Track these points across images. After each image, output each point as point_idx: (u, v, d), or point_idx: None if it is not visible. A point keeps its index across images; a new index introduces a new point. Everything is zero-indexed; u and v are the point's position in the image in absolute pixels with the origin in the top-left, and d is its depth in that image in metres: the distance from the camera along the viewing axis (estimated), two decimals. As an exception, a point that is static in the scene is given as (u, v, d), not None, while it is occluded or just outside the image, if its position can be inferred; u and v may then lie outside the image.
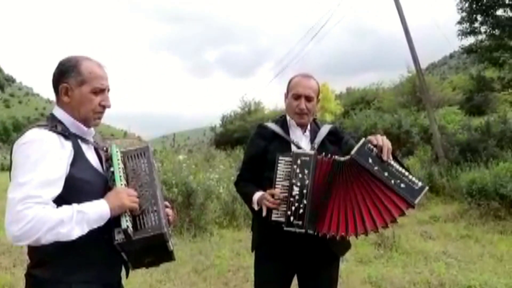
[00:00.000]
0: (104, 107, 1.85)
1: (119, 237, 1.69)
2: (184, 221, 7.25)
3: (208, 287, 4.85)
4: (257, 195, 2.41)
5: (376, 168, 2.19)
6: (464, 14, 14.54)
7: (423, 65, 13.38)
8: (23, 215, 1.49)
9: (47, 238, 1.52)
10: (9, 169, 1.69)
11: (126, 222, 1.69)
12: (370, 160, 2.21)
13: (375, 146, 2.23)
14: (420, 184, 2.19)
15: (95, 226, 1.64)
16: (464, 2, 14.39)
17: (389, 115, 19.18)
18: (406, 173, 2.20)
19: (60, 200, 1.61)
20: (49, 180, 1.59)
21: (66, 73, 1.79)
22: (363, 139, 2.29)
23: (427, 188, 2.22)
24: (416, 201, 2.17)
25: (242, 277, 5.10)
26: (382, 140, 2.23)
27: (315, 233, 2.20)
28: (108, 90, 1.88)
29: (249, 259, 5.66)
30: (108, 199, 1.69)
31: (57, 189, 1.61)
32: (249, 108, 40.85)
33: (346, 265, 5.23)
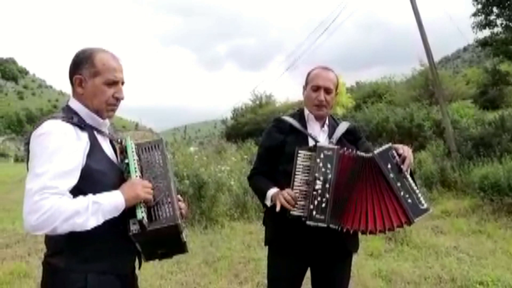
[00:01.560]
0: (117, 99, 1.86)
1: (134, 228, 1.72)
2: (195, 213, 7.29)
3: (218, 278, 4.87)
4: (272, 191, 2.39)
5: (391, 175, 2.23)
6: (479, 6, 14.34)
7: (436, 58, 13.27)
8: (40, 205, 1.51)
9: (63, 228, 1.54)
10: (26, 159, 1.72)
11: (141, 213, 1.70)
12: (389, 166, 2.24)
13: (399, 155, 2.26)
14: (425, 205, 2.25)
15: (110, 217, 1.66)
16: (479, -6, 14.19)
17: (401, 109, 19.00)
18: (417, 191, 2.25)
19: (76, 191, 1.63)
20: (65, 171, 1.61)
21: (80, 65, 1.81)
22: (389, 144, 2.33)
23: (430, 211, 2.28)
24: (416, 220, 2.22)
25: (252, 269, 5.12)
26: (407, 152, 2.27)
27: (339, 228, 2.20)
28: (123, 83, 1.88)
29: (260, 252, 5.68)
30: (123, 190, 1.71)
31: (73, 180, 1.64)
32: (260, 101, 40.71)
33: (357, 258, 5.20)
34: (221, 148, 16.77)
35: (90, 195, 1.63)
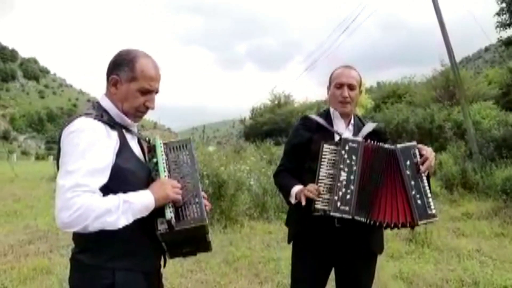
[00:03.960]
0: (147, 108, 1.88)
1: (161, 227, 1.73)
2: (215, 212, 7.31)
3: (239, 278, 4.88)
4: (296, 188, 2.39)
5: (408, 172, 2.23)
6: (503, 5, 14.10)
7: (457, 58, 13.00)
8: (72, 202, 1.52)
9: (94, 226, 1.56)
10: (57, 156, 1.74)
11: (170, 213, 1.72)
12: (408, 163, 2.25)
13: (421, 155, 2.26)
14: (434, 211, 2.21)
15: (139, 216, 1.67)
16: (504, -7, 13.95)
17: (422, 110, 18.86)
18: (429, 195, 2.23)
19: (105, 189, 1.64)
20: (97, 169, 1.62)
21: (120, 66, 1.82)
22: (414, 142, 2.33)
23: (437, 218, 2.25)
24: (420, 223, 2.20)
25: (272, 269, 5.12)
26: (430, 154, 2.26)
27: (366, 221, 2.19)
28: (157, 92, 1.89)
29: (280, 252, 5.68)
30: (152, 190, 1.72)
31: (104, 178, 1.65)
32: (279, 101, 40.71)
33: (377, 259, 5.17)
34: (240, 148, 16.81)
35: (120, 194, 1.64)
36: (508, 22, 14.17)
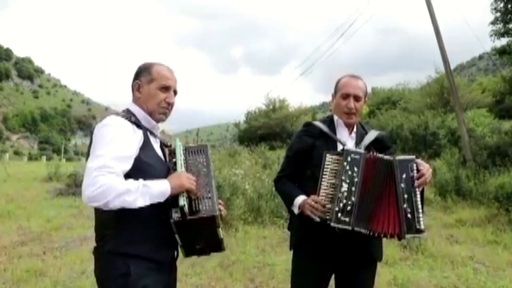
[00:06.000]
0: (168, 103, 2.14)
1: (175, 215, 1.91)
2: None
3: (233, 282, 4.88)
4: (299, 199, 2.40)
5: (402, 185, 2.25)
6: (498, 14, 14.24)
7: (452, 65, 13.10)
8: (97, 180, 1.74)
9: (115, 204, 1.76)
10: (88, 148, 1.99)
11: (183, 201, 1.89)
12: (404, 176, 2.26)
13: (418, 170, 2.27)
14: (422, 226, 2.21)
15: (156, 201, 1.87)
16: (498, 2, 14.08)
17: (416, 116, 18.96)
18: (420, 210, 2.24)
19: (127, 177, 1.84)
20: (121, 156, 1.85)
21: (140, 74, 2.16)
22: (414, 156, 2.34)
23: (425, 234, 2.27)
24: (407, 236, 2.21)
25: (267, 274, 5.12)
26: (427, 171, 2.27)
27: (366, 232, 2.20)
28: (175, 92, 2.18)
29: (274, 257, 5.68)
30: (169, 179, 1.94)
31: (127, 165, 1.88)
32: (273, 106, 40.60)
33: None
34: (234, 152, 16.81)
35: (140, 179, 1.85)
36: (502, 31, 14.29)
